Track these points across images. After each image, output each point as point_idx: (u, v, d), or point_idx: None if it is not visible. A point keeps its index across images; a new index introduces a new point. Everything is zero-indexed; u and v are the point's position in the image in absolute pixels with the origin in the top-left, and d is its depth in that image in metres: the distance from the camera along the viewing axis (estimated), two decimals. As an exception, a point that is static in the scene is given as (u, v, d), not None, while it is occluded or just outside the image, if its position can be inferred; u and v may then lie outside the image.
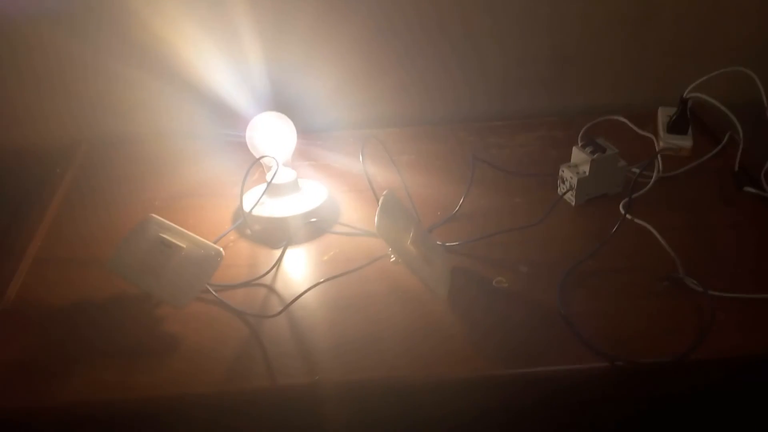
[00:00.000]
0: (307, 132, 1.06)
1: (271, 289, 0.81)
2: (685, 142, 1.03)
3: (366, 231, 0.89)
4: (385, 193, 0.76)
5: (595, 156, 0.90)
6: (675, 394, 0.74)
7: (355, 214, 0.93)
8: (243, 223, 0.89)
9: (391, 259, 0.81)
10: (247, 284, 0.81)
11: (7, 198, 1.11)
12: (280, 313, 0.76)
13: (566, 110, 1.17)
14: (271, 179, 0.89)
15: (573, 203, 0.93)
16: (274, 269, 0.83)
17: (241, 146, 0.93)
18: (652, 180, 0.94)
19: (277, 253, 0.85)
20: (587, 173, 0.91)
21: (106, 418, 0.70)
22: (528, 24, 1.09)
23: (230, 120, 1.09)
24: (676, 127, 1.05)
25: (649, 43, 1.13)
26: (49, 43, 1.04)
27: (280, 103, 1.10)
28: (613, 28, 1.11)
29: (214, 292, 0.79)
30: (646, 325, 0.74)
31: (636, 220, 0.85)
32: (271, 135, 0.91)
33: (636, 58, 1.14)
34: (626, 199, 0.87)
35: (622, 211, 0.87)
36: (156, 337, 0.75)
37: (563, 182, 0.94)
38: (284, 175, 0.91)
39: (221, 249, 0.78)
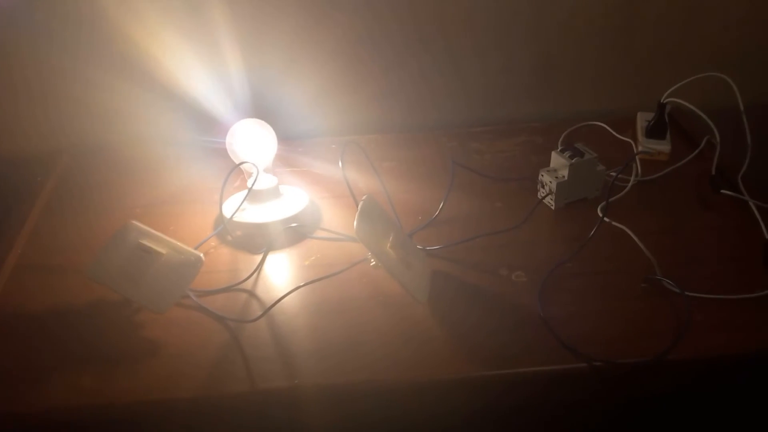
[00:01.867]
0: (287, 138, 1.06)
1: (251, 294, 0.81)
2: (663, 146, 1.04)
3: (347, 236, 0.89)
4: (364, 197, 0.76)
5: (574, 160, 0.91)
6: (653, 394, 0.75)
7: (335, 220, 0.93)
8: (224, 229, 0.89)
9: (372, 264, 0.81)
10: (227, 289, 0.81)
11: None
12: (260, 317, 0.76)
13: (548, 117, 1.18)
14: (252, 185, 0.89)
15: (552, 207, 0.94)
16: (255, 274, 0.83)
17: (222, 153, 0.93)
18: (630, 184, 0.95)
19: (258, 258, 0.85)
20: (566, 177, 0.92)
21: (85, 424, 0.70)
22: (509, 32, 1.10)
23: (210, 127, 1.09)
24: (654, 131, 1.06)
25: (629, 49, 1.14)
26: (28, 53, 1.03)
27: (261, 109, 1.11)
28: (593, 35, 1.12)
29: (194, 298, 0.79)
30: (625, 326, 0.75)
31: (614, 223, 0.86)
32: (252, 141, 0.91)
33: (616, 64, 1.16)
34: (604, 203, 0.88)
35: (600, 215, 0.88)
36: (136, 342, 0.75)
37: (543, 186, 0.94)
38: (265, 182, 0.91)
39: (201, 255, 0.78)
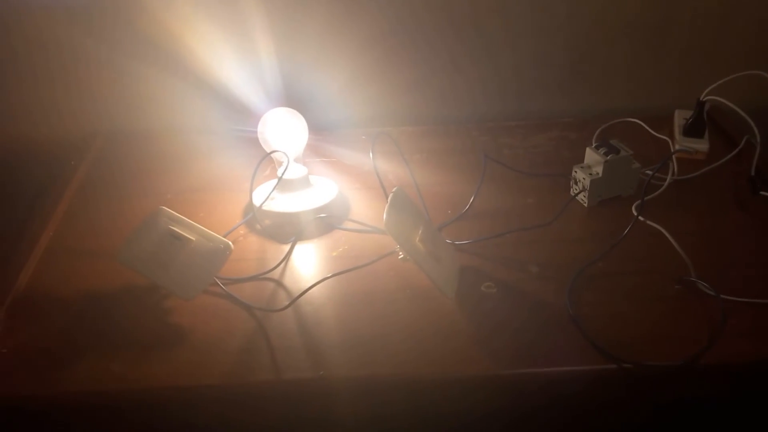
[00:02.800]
0: (318, 128, 1.06)
1: (279, 283, 0.81)
2: (701, 145, 1.02)
3: (375, 228, 0.88)
4: (394, 190, 0.76)
5: (609, 157, 0.89)
6: (683, 398, 0.73)
7: (365, 211, 0.93)
8: (253, 217, 0.89)
9: (399, 257, 0.81)
10: (255, 278, 0.82)
11: (25, 189, 1.13)
12: (287, 307, 0.76)
13: (582, 112, 1.16)
14: (282, 174, 0.89)
15: (585, 204, 0.92)
16: (283, 264, 0.83)
17: (253, 142, 0.93)
18: (666, 182, 0.92)
19: (286, 247, 0.85)
20: (600, 174, 0.90)
21: (114, 408, 0.71)
22: (543, 25, 1.08)
23: (242, 115, 1.09)
24: (692, 130, 1.03)
25: (667, 46, 1.12)
26: (66, 40, 1.05)
27: (292, 98, 1.11)
28: (630, 30, 1.10)
29: (222, 285, 0.79)
30: (657, 328, 0.73)
31: (649, 223, 0.84)
32: (283, 130, 0.91)
33: (653, 61, 1.13)
34: (639, 201, 0.86)
35: (635, 213, 0.86)
36: (164, 328, 0.75)
37: (576, 183, 0.93)
38: (295, 171, 0.91)
39: (230, 242, 0.79)
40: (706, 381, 0.71)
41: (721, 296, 0.75)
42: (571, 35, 1.10)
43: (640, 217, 0.84)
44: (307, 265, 0.84)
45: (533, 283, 0.80)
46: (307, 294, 0.77)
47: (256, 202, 0.89)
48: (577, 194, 0.93)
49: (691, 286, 0.78)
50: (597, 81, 1.15)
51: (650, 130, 1.07)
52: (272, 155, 0.91)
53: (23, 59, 1.07)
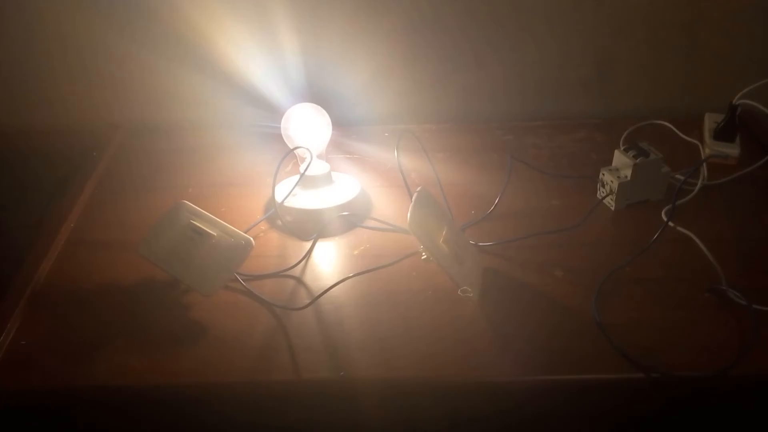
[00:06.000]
0: (342, 125, 1.05)
1: (299, 281, 0.80)
2: (732, 150, 0.99)
3: (398, 227, 0.87)
4: (418, 189, 0.74)
5: (638, 160, 0.87)
6: (712, 410, 0.72)
7: (387, 210, 0.92)
8: (274, 213, 0.88)
9: (423, 257, 0.80)
10: (275, 275, 0.81)
11: (46, 180, 1.13)
12: (307, 306, 0.75)
13: (609, 114, 1.14)
14: (305, 171, 0.88)
15: (612, 208, 0.90)
16: (304, 261, 0.82)
17: (277, 137, 0.92)
18: (697, 187, 0.90)
19: (308, 245, 0.84)
20: (629, 178, 0.88)
21: (131, 402, 0.71)
22: (571, 25, 1.06)
23: (266, 111, 1.09)
24: (723, 134, 1.01)
25: (698, 47, 1.09)
26: (91, 35, 1.05)
27: (316, 94, 1.10)
28: (660, 31, 1.07)
29: (242, 282, 0.78)
30: (685, 337, 0.71)
31: (678, 228, 0.82)
32: (306, 126, 0.90)
33: (683, 62, 1.11)
34: (669, 206, 0.84)
35: (665, 218, 0.84)
36: (183, 323, 0.74)
37: (603, 186, 0.91)
38: (318, 168, 0.90)
39: (251, 238, 0.78)
40: (736, 393, 0.70)
41: (753, 306, 0.73)
42: (599, 34, 1.08)
43: (670, 223, 0.82)
44: (328, 263, 0.83)
45: (558, 287, 0.78)
46: (328, 293, 0.76)
47: (278, 198, 0.88)
48: (604, 197, 0.91)
49: (721, 295, 0.76)
50: (625, 82, 1.13)
51: (679, 133, 1.05)
52: (295, 151, 0.90)
53: (46, 53, 1.07)
